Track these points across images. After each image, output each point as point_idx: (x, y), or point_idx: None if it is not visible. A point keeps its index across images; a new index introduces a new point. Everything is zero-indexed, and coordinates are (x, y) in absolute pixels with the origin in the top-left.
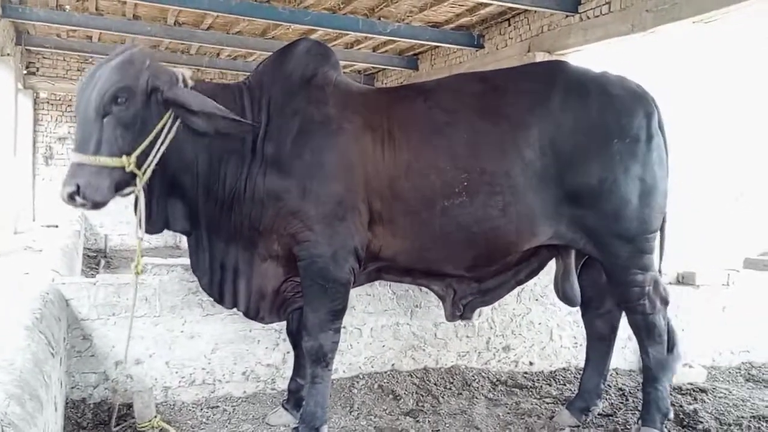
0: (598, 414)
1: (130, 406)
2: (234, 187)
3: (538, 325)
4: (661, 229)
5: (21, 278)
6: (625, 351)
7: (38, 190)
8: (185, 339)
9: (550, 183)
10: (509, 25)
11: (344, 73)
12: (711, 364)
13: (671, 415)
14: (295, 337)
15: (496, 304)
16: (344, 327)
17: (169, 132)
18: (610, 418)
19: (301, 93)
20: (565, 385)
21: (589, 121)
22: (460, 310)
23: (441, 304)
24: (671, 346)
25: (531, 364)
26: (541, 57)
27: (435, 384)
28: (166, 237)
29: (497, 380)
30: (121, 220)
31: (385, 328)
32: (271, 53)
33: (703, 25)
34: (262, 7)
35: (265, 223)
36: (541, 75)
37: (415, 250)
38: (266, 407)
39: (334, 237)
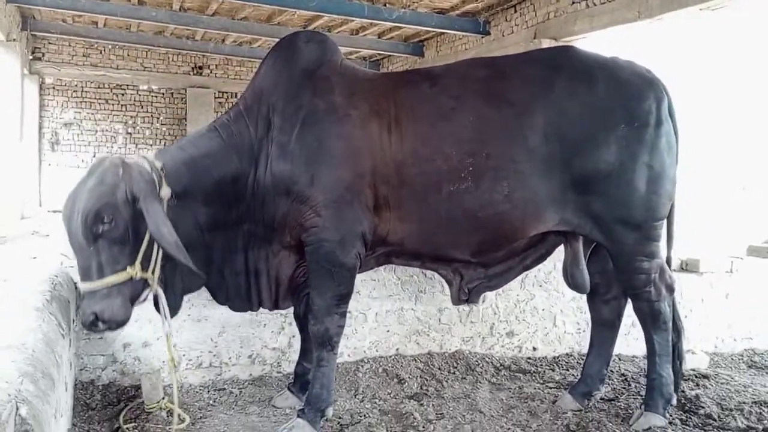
0: (601, 399)
1: (138, 387)
2: (245, 208)
3: (541, 311)
4: (669, 217)
5: (29, 262)
6: (627, 337)
7: (44, 175)
8: (192, 322)
9: (556, 169)
10: (515, 11)
11: (349, 59)
12: (713, 350)
13: (674, 401)
14: (301, 321)
15: (500, 289)
16: (349, 312)
17: None
18: (612, 402)
19: (306, 87)
20: (568, 370)
21: (596, 106)
22: (465, 295)
23: (447, 288)
24: (677, 334)
25: (534, 349)
26: (547, 44)
27: (439, 368)
28: None
29: (501, 365)
30: None
31: (389, 313)
32: (268, 54)
33: (710, 12)
34: None
35: (278, 221)
36: (548, 61)
37: (421, 235)
38: (272, 390)
39: (342, 222)
